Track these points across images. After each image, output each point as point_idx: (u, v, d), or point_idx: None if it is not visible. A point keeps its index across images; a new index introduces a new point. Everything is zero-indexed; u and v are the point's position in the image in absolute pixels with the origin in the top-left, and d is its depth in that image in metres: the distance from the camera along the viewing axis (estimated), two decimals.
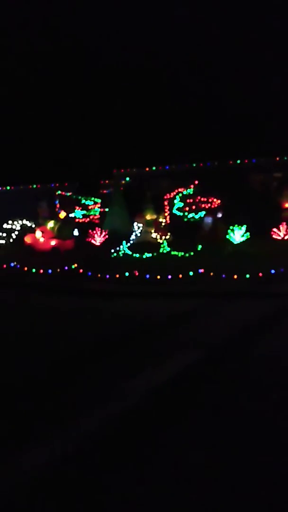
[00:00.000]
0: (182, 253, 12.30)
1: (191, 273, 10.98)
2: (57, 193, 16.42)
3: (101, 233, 13.73)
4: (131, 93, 19.82)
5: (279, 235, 12.34)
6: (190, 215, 13.72)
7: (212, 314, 7.95)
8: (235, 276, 10.61)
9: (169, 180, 15.01)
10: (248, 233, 12.28)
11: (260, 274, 10.52)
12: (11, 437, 3.29)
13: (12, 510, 2.48)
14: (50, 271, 12.41)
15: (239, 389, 4.17)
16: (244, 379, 4.43)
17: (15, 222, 15.85)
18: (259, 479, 2.72)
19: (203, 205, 13.75)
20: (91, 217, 15.92)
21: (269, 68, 18.66)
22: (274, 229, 12.39)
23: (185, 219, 13.76)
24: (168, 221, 14.02)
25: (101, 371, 4.73)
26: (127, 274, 11.43)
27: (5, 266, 13.50)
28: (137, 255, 12.53)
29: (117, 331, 6.66)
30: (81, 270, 12.10)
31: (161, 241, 13.15)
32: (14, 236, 15.53)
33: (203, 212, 13.53)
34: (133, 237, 13.62)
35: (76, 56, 20.34)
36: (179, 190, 14.21)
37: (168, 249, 12.68)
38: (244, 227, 12.31)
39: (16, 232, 15.60)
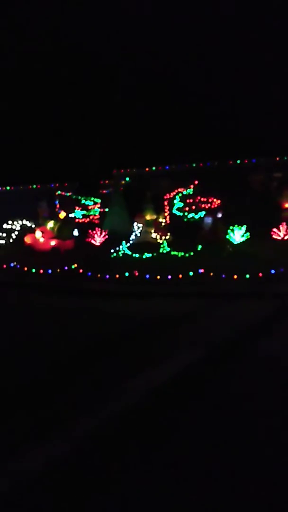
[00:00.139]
0: (182, 253, 12.30)
1: (191, 273, 10.99)
2: (57, 193, 16.41)
3: (101, 233, 13.73)
4: (131, 93, 19.82)
5: (279, 235, 12.34)
6: (190, 215, 13.71)
7: (212, 314, 7.94)
8: (235, 276, 10.61)
9: (169, 180, 15.00)
10: (248, 233, 12.28)
11: (260, 274, 10.53)
12: (11, 437, 3.28)
13: (12, 510, 2.48)
14: (50, 271, 12.41)
15: (239, 389, 4.16)
16: (244, 379, 4.43)
17: (15, 222, 15.85)
18: (259, 479, 2.72)
19: (203, 205, 13.74)
20: (91, 217, 15.91)
21: (269, 68, 18.67)
22: (274, 229, 12.39)
23: (185, 219, 13.75)
24: (168, 221, 14.01)
25: (101, 371, 4.73)
26: (127, 274, 11.44)
27: (5, 266, 13.50)
28: (137, 255, 12.53)
29: (117, 331, 6.65)
30: (81, 270, 12.10)
31: (161, 241, 13.15)
32: (14, 236, 15.53)
33: (203, 212, 13.52)
34: (133, 237, 13.61)
35: (75, 56, 20.34)
36: (179, 190, 14.20)
37: (168, 249, 12.68)
38: (244, 227, 12.30)
39: (16, 232, 15.60)
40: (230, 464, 2.89)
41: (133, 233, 13.74)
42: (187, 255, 12.20)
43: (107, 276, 11.60)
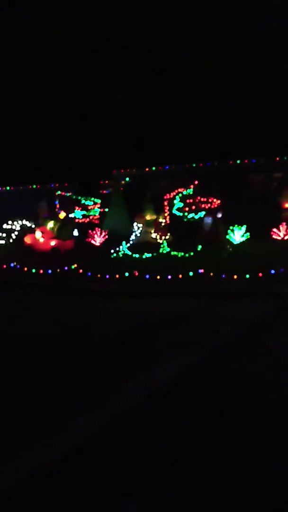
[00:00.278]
0: (182, 254, 12.30)
1: (191, 273, 10.99)
2: (57, 193, 16.42)
3: (100, 233, 13.73)
4: (131, 94, 19.82)
5: (279, 235, 12.34)
6: (190, 215, 13.71)
7: (212, 314, 7.94)
8: (235, 276, 10.62)
9: (169, 180, 15.00)
10: (248, 233, 12.28)
11: (260, 274, 10.53)
12: (11, 437, 3.28)
13: (12, 510, 2.48)
14: (50, 271, 12.42)
15: (239, 389, 4.16)
16: (244, 379, 4.42)
17: (15, 223, 15.86)
18: (259, 480, 2.72)
19: (203, 205, 13.74)
20: (91, 217, 15.92)
21: (269, 69, 18.67)
22: (274, 229, 12.39)
23: (185, 219, 13.75)
24: (168, 221, 14.02)
25: (101, 371, 4.72)
26: (127, 274, 11.44)
27: (5, 266, 13.51)
28: (137, 256, 12.54)
29: (117, 331, 6.65)
30: (81, 270, 12.11)
31: (161, 242, 13.16)
32: (14, 237, 15.54)
33: (203, 212, 13.53)
34: (133, 237, 13.62)
35: (76, 56, 20.34)
36: (179, 190, 14.20)
37: (168, 249, 12.69)
38: (244, 227, 12.31)
39: (16, 233, 15.60)
40: (230, 464, 2.89)
41: (133, 233, 13.75)
42: (187, 255, 12.21)
43: (107, 276, 11.60)
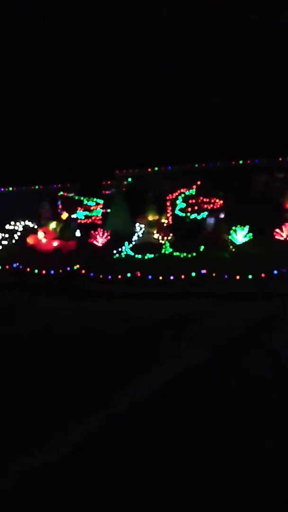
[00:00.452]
0: (184, 254, 12.28)
1: (193, 274, 10.97)
2: (59, 194, 16.44)
3: (103, 234, 13.73)
4: (133, 94, 19.83)
5: (282, 236, 12.32)
6: (193, 216, 13.69)
7: (214, 314, 7.93)
8: (238, 277, 10.60)
9: (171, 180, 15.00)
10: (250, 234, 12.26)
11: (263, 275, 10.51)
12: (13, 437, 3.28)
13: (12, 510, 2.47)
14: (52, 272, 12.42)
15: (240, 390, 4.15)
16: (247, 379, 4.41)
17: (18, 223, 15.88)
18: (260, 479, 2.71)
19: (205, 206, 13.73)
20: (93, 218, 15.92)
21: (271, 69, 18.65)
22: (277, 230, 12.37)
23: (188, 220, 13.73)
24: (170, 222, 14.00)
25: (103, 371, 4.72)
26: (129, 275, 11.43)
27: (7, 267, 13.52)
28: (139, 256, 12.53)
29: (119, 331, 6.65)
30: (83, 271, 12.10)
31: (163, 242, 13.15)
32: (16, 237, 15.56)
33: (206, 213, 13.51)
34: (135, 238, 13.62)
35: (78, 57, 20.38)
36: (181, 190, 14.18)
37: (170, 250, 12.68)
38: (246, 228, 12.29)
39: (19, 233, 15.62)
40: (231, 464, 2.88)
41: (136, 234, 13.75)
42: (189, 255, 12.19)
43: (109, 277, 11.60)
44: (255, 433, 3.29)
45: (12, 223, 15.95)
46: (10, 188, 18.22)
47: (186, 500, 2.54)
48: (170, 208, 14.12)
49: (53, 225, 15.08)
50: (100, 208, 15.89)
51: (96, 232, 13.80)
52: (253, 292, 9.71)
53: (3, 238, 15.67)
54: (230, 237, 12.42)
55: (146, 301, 9.55)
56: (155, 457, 3.00)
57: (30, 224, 15.81)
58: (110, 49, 20.82)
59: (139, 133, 19.16)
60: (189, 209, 13.84)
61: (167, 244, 12.91)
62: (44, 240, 14.39)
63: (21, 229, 15.77)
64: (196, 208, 13.78)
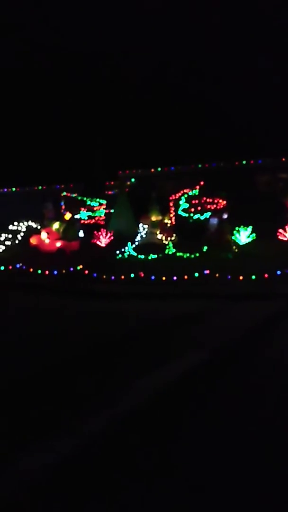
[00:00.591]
0: (188, 254, 12.27)
1: (196, 275, 10.96)
2: (62, 194, 16.45)
3: (106, 234, 13.73)
4: (136, 95, 19.84)
5: (285, 236, 12.29)
6: (196, 216, 13.67)
7: (217, 315, 7.92)
8: (241, 277, 10.58)
9: (175, 181, 14.99)
10: (253, 234, 12.24)
11: (266, 275, 10.49)
12: (15, 437, 3.28)
13: (13, 511, 2.48)
14: (55, 272, 12.44)
15: (244, 389, 4.14)
16: (249, 379, 4.41)
17: (21, 224, 15.91)
18: (260, 479, 2.71)
19: (208, 206, 13.71)
20: (96, 218, 15.93)
21: (275, 69, 18.63)
22: (280, 230, 12.35)
23: (191, 220, 13.72)
24: (174, 222, 13.99)
25: (106, 371, 4.72)
26: (132, 275, 11.43)
27: (11, 267, 13.54)
28: (142, 257, 12.52)
29: (122, 332, 6.64)
30: (86, 271, 12.11)
31: (166, 242, 13.14)
32: (20, 238, 15.58)
33: (209, 213, 13.49)
34: (138, 238, 13.61)
35: (81, 58, 20.40)
36: (185, 191, 14.17)
37: (174, 250, 12.67)
38: (249, 228, 12.27)
39: (22, 233, 15.64)
40: (232, 465, 2.88)
41: (139, 234, 13.75)
42: (192, 256, 12.18)
43: (113, 277, 11.60)
44: (255, 433, 3.29)
45: (16, 223, 15.98)
46: (14, 189, 18.25)
47: (187, 500, 2.54)
48: (173, 209, 14.11)
49: (56, 225, 15.09)
50: (103, 208, 15.89)
51: (99, 233, 13.81)
52: (256, 293, 9.69)
53: (7, 239, 15.70)
54: (233, 237, 12.40)
55: (149, 301, 9.55)
56: (156, 457, 3.00)
57: (34, 225, 15.83)
58: (110, 49, 20.85)
59: (142, 133, 19.17)
60: (192, 210, 13.83)
61: (170, 244, 12.90)
62: (47, 241, 14.41)
63: (24, 229, 15.80)
64: (199, 208, 13.77)
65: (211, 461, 2.94)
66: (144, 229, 13.89)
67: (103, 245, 13.66)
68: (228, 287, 10.33)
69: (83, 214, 15.70)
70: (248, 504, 2.50)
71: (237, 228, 12.38)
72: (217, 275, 10.86)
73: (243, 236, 12.29)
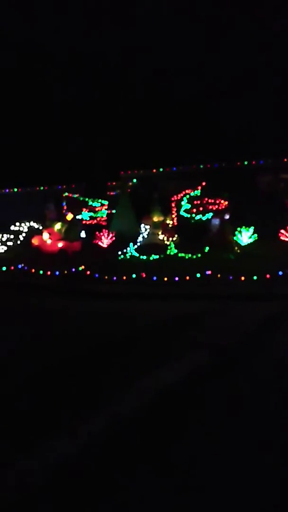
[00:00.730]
0: (189, 255, 12.26)
1: (198, 275, 10.96)
2: (64, 195, 16.47)
3: (108, 235, 13.74)
4: (138, 95, 19.85)
5: (287, 237, 12.28)
6: (198, 217, 13.67)
7: (219, 316, 7.91)
8: (243, 278, 10.57)
9: (176, 181, 14.98)
10: (255, 235, 12.23)
11: (268, 276, 10.48)
12: (15, 437, 3.28)
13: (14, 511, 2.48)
14: (57, 272, 12.44)
15: (246, 390, 4.14)
16: (250, 380, 4.40)
17: (23, 224, 15.92)
18: (260, 479, 2.71)
19: (210, 207, 13.70)
20: (98, 219, 15.93)
21: (276, 69, 18.62)
22: (282, 231, 12.33)
23: (192, 221, 13.71)
24: (175, 223, 13.99)
25: (106, 372, 4.72)
26: (134, 276, 11.43)
27: (12, 267, 13.56)
28: (144, 257, 12.52)
29: (124, 332, 6.65)
30: (88, 272, 12.12)
31: (168, 243, 13.13)
32: (21, 238, 15.60)
33: (211, 214, 13.48)
34: (140, 239, 13.61)
35: (82, 59, 20.42)
36: (187, 191, 14.17)
37: (175, 251, 12.66)
38: (251, 229, 12.26)
39: (24, 234, 15.66)
40: (233, 464, 2.88)
41: (141, 235, 13.75)
42: (194, 256, 12.17)
43: (114, 278, 11.60)
44: (256, 434, 3.28)
45: (17, 224, 15.99)
46: (15, 189, 18.27)
47: (187, 502, 2.54)
48: (175, 209, 14.10)
49: (58, 226, 15.11)
50: (105, 209, 15.89)
51: (101, 233, 13.81)
52: (258, 293, 9.68)
53: (9, 239, 15.71)
54: (235, 238, 12.40)
55: (151, 302, 9.55)
56: (156, 458, 2.99)
57: (35, 225, 15.85)
58: (112, 49, 20.87)
59: (144, 134, 19.17)
60: (194, 210, 13.82)
61: (172, 245, 12.89)
62: (49, 241, 14.42)
63: (26, 230, 15.81)
64: (201, 209, 13.76)
65: (212, 461, 2.94)
66: (146, 229, 13.90)
67: (105, 245, 13.67)
68: (230, 288, 10.32)
69: (85, 215, 15.70)
70: (248, 505, 2.50)
71: (239, 229, 12.37)
72: (219, 275, 10.85)
73: (245, 236, 12.28)
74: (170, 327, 7.02)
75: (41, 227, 15.54)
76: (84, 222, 15.61)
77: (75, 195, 16.40)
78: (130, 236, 13.48)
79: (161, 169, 15.84)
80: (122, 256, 12.86)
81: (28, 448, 3.08)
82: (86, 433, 3.28)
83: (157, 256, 12.49)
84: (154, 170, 15.95)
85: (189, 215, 13.85)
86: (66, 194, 16.51)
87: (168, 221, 14.08)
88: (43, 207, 15.65)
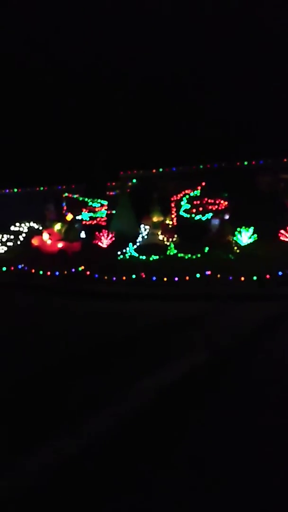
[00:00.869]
0: (189, 255, 12.26)
1: (198, 275, 10.96)
2: (64, 195, 16.47)
3: (108, 235, 13.74)
4: (138, 96, 19.85)
5: (287, 237, 12.28)
6: (197, 217, 13.67)
7: (219, 316, 7.91)
8: (242, 278, 10.58)
9: (176, 181, 14.98)
10: (255, 235, 12.23)
11: (268, 276, 10.48)
12: (16, 437, 3.29)
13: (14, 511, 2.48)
14: (57, 273, 12.45)
15: (242, 391, 4.14)
16: (251, 380, 4.40)
17: (23, 224, 15.93)
18: (260, 479, 2.71)
19: (210, 207, 13.70)
20: (98, 219, 15.92)
21: (276, 69, 18.62)
22: (282, 231, 12.33)
23: (192, 221, 13.70)
24: (175, 223, 13.98)
25: (107, 372, 4.72)
26: (133, 276, 11.43)
27: (12, 268, 13.56)
28: (144, 257, 12.52)
29: (124, 333, 6.65)
30: (88, 272, 12.12)
31: (168, 243, 13.13)
32: (21, 238, 15.60)
33: (210, 214, 13.48)
34: (139, 239, 13.61)
35: (82, 60, 20.44)
36: (186, 191, 14.16)
37: (175, 251, 12.66)
38: (251, 229, 12.26)
39: (24, 234, 15.66)
40: (233, 465, 2.88)
41: (140, 235, 13.75)
42: (194, 257, 12.17)
43: (114, 278, 11.60)
44: (256, 434, 3.29)
45: (17, 224, 16.00)
46: (15, 190, 18.27)
47: (188, 502, 2.54)
48: (174, 209, 14.10)
49: (58, 226, 15.11)
50: (105, 209, 15.89)
51: (101, 233, 13.81)
52: (258, 294, 9.68)
53: (8, 240, 15.72)
54: (234, 238, 12.40)
55: (151, 302, 9.55)
56: (157, 458, 3.00)
57: (35, 226, 15.85)
58: (112, 51, 20.89)
59: (144, 134, 19.17)
60: (194, 210, 13.81)
61: (172, 245, 12.89)
62: (49, 242, 14.42)
63: (26, 230, 15.82)
64: (200, 209, 13.76)
65: (212, 462, 2.94)
66: (145, 230, 13.90)
67: (104, 246, 13.67)
68: (229, 288, 10.32)
69: (84, 215, 15.70)
70: (249, 505, 2.50)
71: (238, 229, 12.36)
72: (218, 276, 10.85)
73: (245, 237, 12.27)
74: (169, 327, 7.02)
75: (41, 228, 15.54)
76: (84, 222, 15.61)
77: (75, 196, 16.40)
78: (129, 237, 13.48)
79: (160, 169, 15.84)
80: (121, 256, 12.86)
81: (29, 448, 3.08)
82: (86, 433, 3.29)
83: (157, 257, 12.48)
84: (154, 170, 15.95)
85: (188, 215, 13.84)
86: (66, 194, 16.52)
87: (167, 221, 14.08)
88: (43, 207, 15.66)
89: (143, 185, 15.72)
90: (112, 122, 19.93)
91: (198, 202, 13.91)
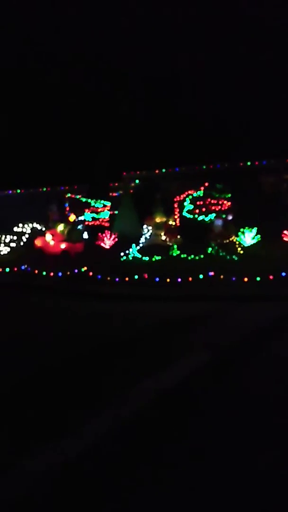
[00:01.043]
0: (192, 256, 12.22)
1: (201, 276, 10.93)
2: (67, 196, 16.47)
3: (110, 236, 13.72)
4: (140, 96, 19.86)
5: None
6: (200, 218, 13.63)
7: (222, 317, 7.89)
8: (246, 279, 10.54)
9: (179, 182, 14.95)
10: (258, 236, 12.19)
11: (271, 277, 10.45)
12: (19, 438, 3.28)
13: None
14: (60, 274, 12.44)
15: (243, 392, 4.12)
16: (254, 381, 4.38)
17: (26, 225, 15.93)
18: (260, 479, 2.70)
19: (213, 207, 13.65)
20: (100, 220, 15.90)
21: (278, 69, 18.59)
22: (285, 232, 12.29)
23: (195, 222, 13.66)
24: (178, 224, 13.95)
25: (109, 373, 4.71)
26: (136, 277, 11.41)
27: (16, 269, 13.57)
28: (147, 258, 12.50)
29: (126, 333, 6.64)
30: (90, 273, 12.11)
31: (170, 244, 13.10)
32: (24, 239, 15.61)
33: (213, 214, 13.44)
34: (142, 240, 13.59)
35: (84, 61, 20.46)
36: (189, 192, 14.12)
37: (178, 252, 12.62)
38: (254, 230, 12.22)
39: (27, 235, 15.67)
40: (234, 465, 2.86)
41: (143, 236, 13.73)
42: (197, 257, 12.13)
43: (117, 279, 11.59)
44: (256, 434, 3.27)
45: (20, 225, 16.00)
46: (18, 191, 18.29)
47: (188, 503, 2.53)
48: (177, 210, 14.06)
49: (60, 227, 15.09)
50: (108, 210, 15.87)
51: (104, 234, 13.79)
52: (261, 294, 9.64)
53: (11, 240, 15.73)
54: (238, 239, 12.36)
55: (153, 303, 9.54)
56: (157, 458, 2.98)
57: (38, 226, 15.85)
58: (115, 52, 20.91)
59: (147, 135, 19.17)
60: (197, 211, 13.77)
61: (175, 246, 12.85)
62: (52, 242, 14.42)
63: (29, 231, 15.82)
64: (203, 209, 13.71)
65: (212, 463, 2.92)
66: (148, 230, 13.88)
67: (107, 246, 13.65)
68: (232, 289, 10.29)
69: (87, 216, 15.68)
70: (248, 506, 2.49)
71: (242, 230, 12.33)
72: (221, 276, 10.82)
73: (248, 237, 12.24)
74: (172, 328, 7.01)
75: (44, 228, 15.54)
76: (86, 223, 15.60)
77: (78, 196, 16.39)
78: (132, 237, 13.46)
79: (163, 170, 15.81)
80: (124, 257, 12.83)
81: (30, 449, 3.07)
82: (87, 434, 3.27)
83: (160, 257, 12.45)
84: (157, 171, 15.93)
85: (191, 216, 13.80)
86: (69, 195, 16.51)
87: (170, 222, 14.05)
88: (46, 208, 15.64)
89: (146, 185, 15.70)
90: (115, 123, 19.94)
91: (201, 202, 13.86)
